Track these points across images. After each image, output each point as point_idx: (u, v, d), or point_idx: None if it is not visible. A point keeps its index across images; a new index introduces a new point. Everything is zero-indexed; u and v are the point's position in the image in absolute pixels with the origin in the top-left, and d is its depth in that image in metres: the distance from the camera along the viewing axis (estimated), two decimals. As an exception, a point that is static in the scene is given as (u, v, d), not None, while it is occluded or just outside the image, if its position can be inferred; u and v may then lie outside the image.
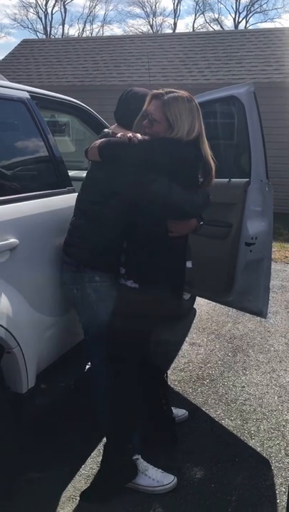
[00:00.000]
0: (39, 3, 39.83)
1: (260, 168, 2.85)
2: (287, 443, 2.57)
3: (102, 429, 2.34)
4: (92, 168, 2.15)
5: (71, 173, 2.66)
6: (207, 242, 3.03)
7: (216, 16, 43.58)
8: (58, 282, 2.26)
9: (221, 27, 30.69)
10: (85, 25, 36.25)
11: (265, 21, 42.25)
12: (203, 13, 37.56)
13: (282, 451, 2.51)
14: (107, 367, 2.19)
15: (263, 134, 2.82)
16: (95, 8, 46.45)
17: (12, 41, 47.43)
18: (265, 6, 44.48)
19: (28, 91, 2.44)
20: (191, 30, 30.27)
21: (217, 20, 32.59)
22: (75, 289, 2.18)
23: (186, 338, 3.88)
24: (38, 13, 33.77)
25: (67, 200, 2.39)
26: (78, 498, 2.15)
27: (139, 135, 2.01)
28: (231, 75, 9.82)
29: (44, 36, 31.01)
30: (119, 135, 2.04)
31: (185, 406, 2.85)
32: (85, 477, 2.30)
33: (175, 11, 38.63)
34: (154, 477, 2.20)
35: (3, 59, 12.71)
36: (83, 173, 2.33)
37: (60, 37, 29.50)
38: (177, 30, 31.08)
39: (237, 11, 31.43)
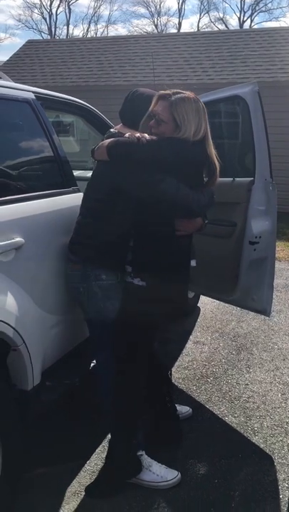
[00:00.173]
0: (43, 3, 40.02)
1: (264, 167, 2.86)
2: (290, 440, 2.59)
3: (106, 426, 2.37)
4: (99, 167, 2.17)
5: (75, 173, 2.68)
6: (211, 241, 3.04)
7: (221, 15, 43.67)
8: (63, 281, 2.28)
9: (226, 26, 30.67)
10: (89, 25, 36.34)
11: (270, 20, 42.21)
12: (208, 13, 37.70)
13: (285, 447, 2.53)
14: (114, 365, 2.21)
15: (267, 133, 2.83)
16: (99, 8, 46.58)
17: (17, 42, 47.69)
18: (270, 5, 44.50)
19: (33, 91, 2.47)
20: (196, 29, 30.26)
21: (222, 20, 32.63)
22: (81, 288, 2.20)
23: (190, 337, 3.90)
24: (42, 13, 33.95)
25: (72, 199, 2.42)
26: (83, 494, 2.18)
27: (147, 135, 2.03)
28: (236, 75, 9.82)
29: (49, 37, 31.10)
30: (127, 135, 2.06)
31: (189, 403, 2.87)
32: (89, 473, 2.32)
33: (180, 10, 38.74)
34: (158, 473, 2.22)
35: (8, 60, 12.76)
36: (87, 173, 2.36)
37: (64, 37, 29.57)
38: (182, 30, 31.12)
39: (242, 10, 31.41)
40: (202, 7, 37.39)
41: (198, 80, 10.17)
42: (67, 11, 34.93)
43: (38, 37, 31.60)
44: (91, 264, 2.17)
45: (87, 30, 34.06)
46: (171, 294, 2.18)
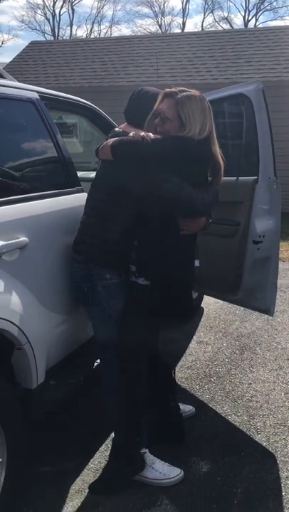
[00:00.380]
0: (47, 4, 40.03)
1: (268, 166, 2.85)
2: (293, 439, 2.60)
3: (109, 425, 2.38)
4: (104, 166, 2.18)
5: (79, 174, 2.70)
6: (215, 241, 3.05)
7: (226, 14, 43.53)
8: (67, 280, 2.30)
9: (231, 26, 30.67)
10: (93, 25, 36.24)
11: (275, 19, 42.05)
12: (212, 12, 37.61)
13: (288, 445, 2.54)
14: (117, 364, 2.22)
15: (271, 132, 2.83)
16: (102, 8, 46.73)
17: (20, 43, 47.74)
18: (275, 4, 44.29)
19: (37, 91, 2.49)
20: (200, 29, 30.25)
21: (226, 19, 32.60)
22: (85, 287, 2.22)
23: (194, 336, 3.91)
24: (45, 14, 33.88)
25: (76, 199, 2.44)
26: (86, 491, 2.20)
27: (151, 134, 2.04)
28: (240, 74, 9.81)
29: (52, 38, 31.16)
30: (131, 134, 2.06)
31: (192, 402, 2.89)
32: (93, 471, 2.34)
33: (184, 10, 38.51)
34: (161, 470, 2.24)
35: (11, 61, 12.79)
36: (91, 174, 2.37)
37: (67, 38, 29.63)
38: (186, 30, 31.10)
39: (246, 9, 31.43)
40: (206, 6, 37.25)
41: (201, 79, 10.17)
42: (70, 11, 34.78)
43: (41, 38, 31.74)
44: (95, 264, 2.18)
45: (91, 30, 34.19)
46: (175, 294, 2.20)
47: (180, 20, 42.40)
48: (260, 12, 32.05)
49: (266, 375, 3.28)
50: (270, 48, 10.57)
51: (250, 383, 3.17)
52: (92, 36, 31.46)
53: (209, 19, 46.46)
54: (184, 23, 33.41)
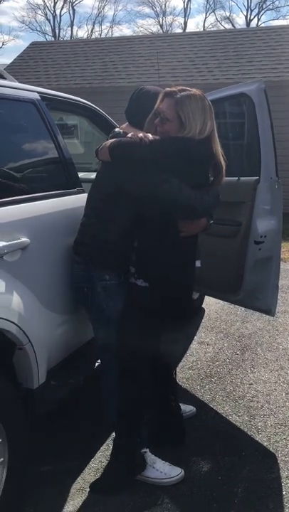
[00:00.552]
0: (47, 4, 39.92)
1: (269, 166, 2.85)
2: (294, 439, 2.60)
3: (110, 424, 2.39)
4: (103, 167, 2.18)
5: (80, 174, 2.70)
6: (216, 241, 3.05)
7: (227, 14, 43.56)
8: (68, 281, 2.30)
9: (233, 25, 30.66)
10: (93, 26, 36.27)
11: (278, 19, 41.89)
12: (214, 12, 37.68)
13: (289, 446, 2.55)
14: (118, 365, 2.23)
15: (273, 132, 2.83)
16: (103, 8, 46.52)
17: (20, 44, 47.79)
18: (277, 3, 44.25)
19: (38, 92, 2.49)
20: (202, 29, 30.25)
21: (228, 19, 32.59)
22: (85, 288, 2.22)
23: (195, 337, 3.91)
24: (46, 15, 33.92)
25: (77, 200, 2.44)
26: (87, 490, 2.20)
27: (150, 135, 2.02)
28: (241, 74, 9.80)
29: (53, 38, 31.18)
30: (130, 135, 2.05)
31: (193, 402, 2.89)
32: (94, 470, 2.35)
33: (185, 9, 38.68)
34: (162, 470, 2.24)
35: (12, 62, 12.81)
36: (92, 175, 2.37)
37: (68, 39, 29.65)
38: (188, 30, 31.09)
39: (248, 8, 31.37)
40: (208, 6, 37.37)
41: (203, 79, 10.17)
42: (71, 11, 34.78)
43: (41, 39, 31.76)
44: (95, 265, 2.18)
45: (92, 31, 34.19)
46: (175, 295, 2.19)
47: (181, 20, 42.57)
48: (263, 11, 32.10)
49: (267, 375, 3.29)
50: (272, 47, 10.56)
51: (251, 383, 3.17)
52: (93, 37, 31.49)
53: (211, 19, 46.63)
54: (185, 23, 33.47)
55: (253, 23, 30.36)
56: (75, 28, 37.98)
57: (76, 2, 34.84)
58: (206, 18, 44.06)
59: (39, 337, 2.08)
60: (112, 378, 2.25)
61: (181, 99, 2.02)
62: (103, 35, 32.34)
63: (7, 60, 37.70)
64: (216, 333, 4.02)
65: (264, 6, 31.28)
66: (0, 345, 1.96)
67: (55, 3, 32.98)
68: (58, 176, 2.50)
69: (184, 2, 39.99)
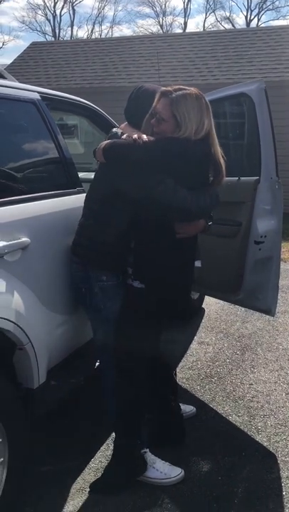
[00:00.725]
0: (47, 5, 39.86)
1: (270, 166, 2.84)
2: (294, 439, 2.60)
3: (110, 424, 2.39)
4: (99, 168, 2.18)
5: (80, 174, 2.70)
6: (216, 241, 3.05)
7: (227, 14, 43.58)
8: (68, 281, 2.30)
9: (233, 25, 30.65)
10: (93, 26, 36.30)
11: (278, 19, 41.92)
12: (214, 12, 37.68)
13: (289, 446, 2.54)
14: (115, 367, 2.23)
15: (273, 132, 2.82)
16: (103, 9, 46.60)
17: (21, 44, 47.78)
18: (277, 3, 44.29)
19: (38, 91, 2.49)
20: (202, 29, 30.24)
21: (228, 19, 32.59)
22: (83, 288, 2.23)
23: (195, 337, 3.91)
24: (46, 15, 33.92)
25: (78, 200, 2.44)
26: (87, 490, 2.20)
27: (144, 136, 2.00)
28: (241, 74, 9.81)
29: (53, 38, 31.18)
30: (124, 136, 2.04)
31: (193, 403, 2.89)
32: (94, 470, 2.35)
33: (185, 10, 38.68)
34: (162, 470, 2.24)
35: (12, 62, 12.81)
36: (91, 175, 2.37)
37: (68, 39, 29.64)
38: (188, 30, 31.10)
39: (249, 8, 31.35)
40: (208, 6, 37.26)
41: (203, 80, 10.18)
42: (71, 12, 34.80)
43: (41, 39, 31.76)
44: (92, 266, 2.18)
45: (92, 31, 34.19)
46: (172, 297, 2.17)
47: (181, 20, 42.60)
48: (263, 11, 32.11)
49: (267, 375, 3.29)
50: (272, 47, 10.56)
51: (251, 384, 3.17)
52: (93, 37, 31.49)
53: (211, 19, 46.65)
54: (185, 23, 33.47)
55: (253, 24, 30.41)
56: (75, 28, 38.05)
57: (76, 2, 34.87)
58: (206, 18, 44.11)
59: (39, 337, 2.08)
60: (111, 378, 2.26)
61: (177, 98, 1.98)
62: (103, 36, 32.36)
63: (7, 60, 37.77)
64: (216, 333, 4.02)
65: (264, 6, 31.34)
66: (0, 345, 1.96)
67: (55, 4, 33.05)
68: (59, 176, 2.50)
69: (184, 2, 40.13)
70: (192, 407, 2.82)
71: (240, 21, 40.76)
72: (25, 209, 2.11)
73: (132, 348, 2.14)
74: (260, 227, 2.89)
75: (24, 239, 2.02)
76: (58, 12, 33.43)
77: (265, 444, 2.56)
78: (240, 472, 2.33)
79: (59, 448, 2.50)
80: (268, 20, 49.12)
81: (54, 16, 32.86)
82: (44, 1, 41.51)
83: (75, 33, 34.27)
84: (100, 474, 2.30)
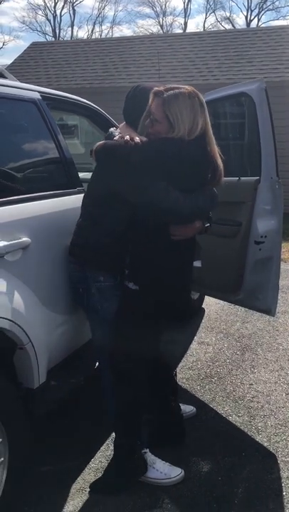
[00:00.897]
0: (48, 5, 39.80)
1: (270, 166, 2.84)
2: (294, 439, 2.60)
3: (110, 424, 2.39)
4: (95, 168, 2.18)
5: (80, 174, 2.70)
6: (216, 241, 3.05)
7: (228, 14, 43.58)
8: (68, 281, 2.30)
9: (233, 26, 30.61)
10: (94, 26, 36.27)
11: (278, 19, 41.89)
12: (214, 12, 37.64)
13: (289, 446, 2.54)
14: (112, 369, 2.22)
15: (273, 131, 2.82)
16: (104, 9, 46.61)
17: (21, 44, 47.73)
18: (277, 3, 44.31)
19: (38, 91, 2.49)
20: (202, 29, 30.23)
21: (228, 19, 32.53)
22: (81, 288, 2.23)
23: (195, 337, 3.91)
24: (46, 15, 33.89)
25: (78, 200, 2.43)
26: (87, 490, 2.20)
27: (137, 137, 1.98)
28: (242, 75, 9.80)
29: (53, 39, 31.18)
30: (116, 137, 2.02)
31: (193, 403, 2.89)
32: (94, 470, 2.35)
33: (185, 10, 38.56)
34: (162, 470, 2.24)
35: (12, 62, 12.80)
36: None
37: (69, 39, 29.64)
38: (188, 30, 31.09)
39: (249, 8, 31.30)
40: (208, 6, 37.13)
41: (203, 80, 10.18)
42: (71, 12, 34.72)
43: (42, 39, 31.72)
44: (89, 266, 2.18)
45: (92, 31, 34.17)
46: (169, 298, 2.14)
47: (182, 20, 42.58)
48: (263, 12, 32.12)
49: (267, 375, 3.29)
50: (272, 47, 10.56)
51: (252, 384, 3.17)
52: (94, 37, 31.48)
53: (211, 19, 46.62)
54: (185, 23, 33.43)
55: (253, 24, 30.38)
56: (75, 28, 37.92)
57: (76, 2, 34.85)
58: (206, 18, 44.09)
59: (40, 337, 2.08)
60: (110, 378, 2.25)
61: (168, 98, 1.94)
62: (103, 36, 32.35)
63: (7, 60, 37.76)
64: (216, 333, 4.02)
65: (264, 7, 31.30)
66: (0, 345, 1.96)
67: (55, 4, 33.03)
68: (59, 176, 2.50)
69: (184, 2, 40.10)
70: (192, 407, 2.82)
71: (240, 21, 40.77)
72: (25, 209, 2.11)
73: (129, 349, 2.12)
74: (261, 227, 2.89)
75: (24, 239, 2.02)
76: (58, 12, 33.44)
77: (265, 444, 2.56)
78: (240, 472, 2.33)
79: (59, 448, 2.50)
80: (268, 20, 49.19)
81: (54, 16, 32.89)
82: (44, 2, 41.48)
83: (75, 33, 34.26)
84: (100, 474, 2.30)
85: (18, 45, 48.56)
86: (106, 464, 2.35)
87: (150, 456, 2.27)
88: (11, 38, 57.31)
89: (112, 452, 2.32)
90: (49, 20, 33.70)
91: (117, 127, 2.30)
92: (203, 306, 4.51)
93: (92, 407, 2.75)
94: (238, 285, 3.01)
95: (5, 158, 2.19)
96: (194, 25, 55.52)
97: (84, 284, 2.20)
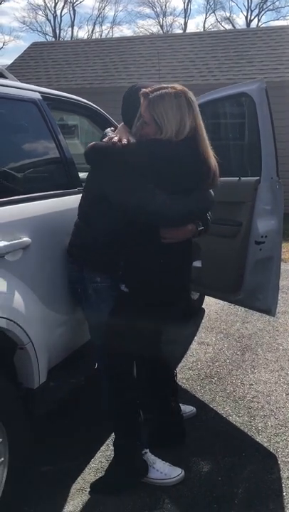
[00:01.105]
0: (48, 5, 39.99)
1: (270, 166, 2.84)
2: (294, 439, 2.60)
3: (110, 425, 2.38)
4: (89, 169, 2.19)
5: (81, 174, 2.70)
6: (216, 241, 3.06)
7: (228, 14, 43.59)
8: (68, 281, 2.31)
9: (233, 26, 30.59)
10: (94, 26, 36.29)
11: (278, 19, 41.89)
12: (214, 12, 37.63)
13: (290, 447, 2.54)
14: (106, 369, 2.22)
15: (274, 132, 2.82)
16: (104, 9, 46.60)
17: (21, 44, 47.67)
18: (277, 4, 44.34)
19: (39, 91, 2.49)
20: (202, 29, 30.22)
21: (228, 19, 32.52)
22: (78, 289, 2.23)
23: (195, 338, 3.91)
24: (47, 15, 33.91)
25: (78, 200, 2.44)
26: (87, 490, 2.20)
27: (125, 139, 1.97)
28: (242, 75, 9.80)
29: (53, 39, 31.18)
30: (106, 139, 2.01)
31: (193, 403, 2.89)
32: (94, 470, 2.35)
33: (185, 10, 38.61)
34: (162, 470, 2.24)
35: (12, 62, 12.80)
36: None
37: (69, 39, 29.64)
38: (188, 30, 31.08)
39: (249, 8, 31.28)
40: (208, 6, 36.99)
41: (203, 80, 10.18)
42: (71, 12, 34.80)
43: (42, 39, 31.71)
44: (86, 267, 2.18)
45: (92, 31, 34.16)
46: (161, 300, 2.11)
47: (182, 20, 42.60)
48: (263, 12, 32.12)
49: (267, 376, 3.28)
50: (272, 47, 10.56)
51: (252, 384, 3.17)
52: (94, 37, 31.47)
53: (211, 19, 46.61)
54: (185, 24, 33.41)
55: (253, 24, 30.36)
56: (75, 28, 37.89)
57: (76, 3, 34.84)
58: (206, 18, 44.10)
59: (40, 337, 2.08)
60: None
61: (153, 99, 1.90)
62: (104, 36, 32.33)
63: (8, 60, 37.76)
64: (216, 333, 4.02)
65: (264, 7, 31.28)
66: (1, 345, 1.96)
67: (55, 4, 33.05)
68: (59, 176, 2.51)
69: (184, 3, 40.01)
70: (192, 408, 2.82)
71: (240, 22, 40.78)
72: (26, 209, 2.11)
73: (122, 350, 2.11)
74: (261, 227, 2.90)
75: (25, 239, 2.03)
76: (58, 12, 33.44)
77: (265, 444, 2.55)
78: (240, 472, 2.33)
79: (59, 448, 2.50)
80: (268, 20, 49.24)
81: (54, 17, 32.89)
82: (45, 2, 41.61)
83: (75, 33, 34.25)
84: (100, 474, 2.30)
85: (18, 46, 48.66)
86: (106, 464, 2.35)
87: (150, 457, 2.26)
88: (12, 38, 57.35)
89: (112, 452, 2.31)
90: (49, 21, 33.75)
91: (116, 127, 2.31)
92: (203, 306, 4.52)
93: (92, 407, 2.75)
94: (238, 285, 3.01)
95: (6, 158, 2.19)
96: (194, 25, 55.60)
97: (81, 284, 2.21)
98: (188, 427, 2.59)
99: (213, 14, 41.40)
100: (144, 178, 1.92)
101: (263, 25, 28.20)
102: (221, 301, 4.28)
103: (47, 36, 33.06)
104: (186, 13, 41.18)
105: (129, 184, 1.93)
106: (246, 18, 31.27)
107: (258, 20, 31.49)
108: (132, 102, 2.08)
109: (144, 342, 2.18)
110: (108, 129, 2.25)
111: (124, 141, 1.95)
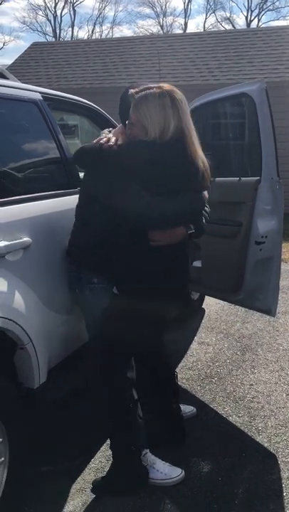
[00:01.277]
0: (48, 5, 40.15)
1: (270, 166, 2.85)
2: (294, 439, 2.60)
3: (110, 425, 2.38)
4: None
5: (81, 174, 2.71)
6: (216, 241, 3.06)
7: (228, 14, 43.59)
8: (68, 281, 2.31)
9: (233, 26, 30.59)
10: (94, 26, 36.29)
11: (278, 19, 41.94)
12: (214, 12, 37.60)
13: (290, 447, 2.54)
14: (101, 371, 2.21)
15: (274, 132, 2.82)
16: (104, 9, 46.60)
17: (21, 45, 47.69)
18: (277, 4, 44.35)
19: (39, 92, 2.50)
20: (202, 29, 30.22)
21: (229, 19, 32.51)
22: (76, 289, 2.24)
23: (195, 337, 3.91)
24: (47, 15, 33.91)
25: (78, 199, 2.45)
26: (87, 490, 2.20)
27: (113, 141, 1.96)
28: (242, 75, 9.80)
29: (53, 39, 31.19)
30: (94, 141, 2.02)
31: (193, 403, 2.89)
32: (94, 470, 2.35)
33: (185, 10, 38.62)
34: (162, 470, 2.24)
35: (13, 62, 12.81)
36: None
37: (69, 39, 29.64)
38: (188, 30, 31.07)
39: (249, 9, 31.29)
40: (208, 6, 36.90)
41: (203, 80, 10.18)
42: (71, 12, 34.83)
43: (42, 39, 31.71)
44: (84, 267, 2.19)
45: (92, 31, 34.18)
46: (149, 304, 2.05)
47: (182, 20, 42.60)
48: (263, 12, 32.12)
49: (268, 376, 3.28)
50: (272, 48, 10.57)
51: (252, 384, 3.17)
52: (94, 37, 31.47)
53: (211, 19, 46.54)
54: (185, 24, 33.42)
55: (254, 24, 30.38)
56: (75, 28, 37.91)
57: (77, 3, 34.83)
58: (206, 18, 44.10)
59: (40, 336, 2.08)
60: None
61: (137, 100, 1.88)
62: (104, 36, 32.34)
63: (8, 60, 37.79)
64: (216, 333, 4.02)
65: (264, 7, 31.29)
66: (1, 345, 1.96)
67: (55, 4, 33.09)
68: (60, 176, 2.51)
69: (184, 3, 39.89)
70: (192, 408, 2.82)
71: (240, 22, 40.74)
72: (26, 209, 2.11)
73: (117, 351, 2.11)
74: (261, 227, 2.90)
75: (25, 239, 2.03)
76: (58, 13, 33.45)
77: (265, 444, 2.55)
78: (240, 473, 2.32)
79: (59, 448, 2.50)
80: (268, 20, 49.32)
81: (55, 17, 32.89)
82: (45, 2, 41.72)
83: (75, 33, 34.25)
84: (100, 474, 2.30)
85: (18, 46, 48.64)
86: (106, 464, 2.35)
87: (150, 457, 2.26)
88: (12, 38, 57.53)
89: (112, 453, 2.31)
90: (49, 21, 33.74)
91: (109, 129, 2.32)
92: (203, 306, 4.52)
93: (92, 407, 2.75)
94: (239, 285, 3.01)
95: (6, 158, 2.19)
96: (194, 25, 55.61)
97: (79, 285, 2.21)
98: (188, 427, 2.59)
99: (213, 14, 41.40)
100: (131, 180, 1.90)
101: (263, 26, 28.21)
102: (221, 301, 4.28)
103: (47, 36, 33.12)
104: (186, 13, 41.19)
105: (115, 185, 1.92)
106: (246, 18, 31.31)
107: (258, 21, 31.54)
108: (128, 103, 2.07)
109: (139, 343, 2.18)
110: (105, 130, 2.26)
111: (111, 143, 1.95)
